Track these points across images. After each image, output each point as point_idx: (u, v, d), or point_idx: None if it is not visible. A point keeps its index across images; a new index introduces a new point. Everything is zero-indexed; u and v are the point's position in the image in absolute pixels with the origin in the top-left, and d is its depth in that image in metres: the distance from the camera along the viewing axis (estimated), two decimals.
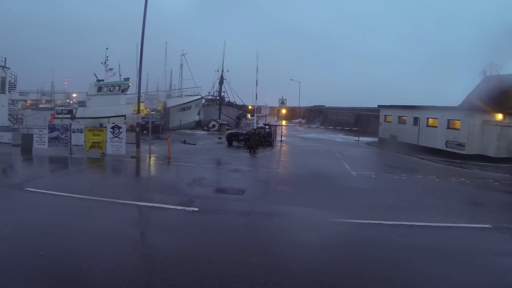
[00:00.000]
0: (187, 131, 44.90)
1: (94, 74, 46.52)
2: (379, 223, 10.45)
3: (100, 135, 22.06)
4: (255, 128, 31.85)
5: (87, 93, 46.68)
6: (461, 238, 9.85)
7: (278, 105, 38.72)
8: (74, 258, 7.28)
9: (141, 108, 22.92)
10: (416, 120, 32.91)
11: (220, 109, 55.29)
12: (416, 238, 9.54)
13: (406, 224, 10.50)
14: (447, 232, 10.25)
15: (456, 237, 9.89)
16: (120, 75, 49.59)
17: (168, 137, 22.98)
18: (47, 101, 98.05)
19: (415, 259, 8.04)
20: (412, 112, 34.03)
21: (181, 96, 54.70)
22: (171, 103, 49.57)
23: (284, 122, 43.13)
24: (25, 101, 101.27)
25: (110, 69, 46.93)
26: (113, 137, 21.68)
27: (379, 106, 40.91)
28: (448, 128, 29.18)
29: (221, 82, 59.10)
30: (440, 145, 29.34)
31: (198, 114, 55.39)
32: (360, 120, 53.87)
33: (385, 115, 39.08)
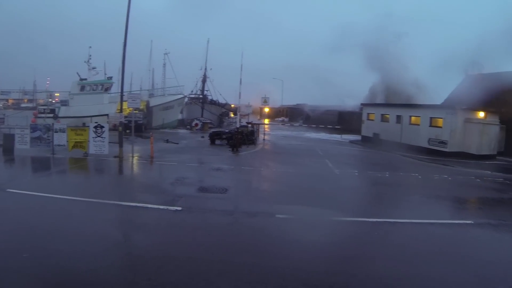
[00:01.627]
0: (170, 130, 44.74)
1: (77, 73, 45.90)
2: (363, 221, 10.55)
3: (82, 134, 21.79)
4: (238, 126, 31.83)
5: (70, 92, 46.16)
6: (444, 234, 9.98)
7: (260, 104, 38.74)
8: (57, 259, 7.19)
9: (123, 107, 22.73)
10: (399, 118, 33.26)
11: (202, 108, 55.23)
12: (400, 235, 9.65)
13: (390, 221, 10.62)
14: (430, 229, 10.36)
15: (439, 234, 10.01)
16: (105, 74, 49.13)
17: (151, 136, 22.84)
18: (29, 101, 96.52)
19: (399, 256, 8.14)
20: (395, 110, 34.43)
21: (164, 95, 54.54)
22: (154, 102, 49.38)
23: (267, 121, 43.21)
24: (7, 100, 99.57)
25: (93, 68, 46.39)
26: (95, 137, 21.44)
27: (361, 104, 41.28)
28: (430, 126, 29.59)
29: (204, 80, 59.09)
30: (422, 142, 29.71)
31: (181, 112, 55.27)
32: (343, 118, 54.25)
33: (368, 113, 39.49)
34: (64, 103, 47.17)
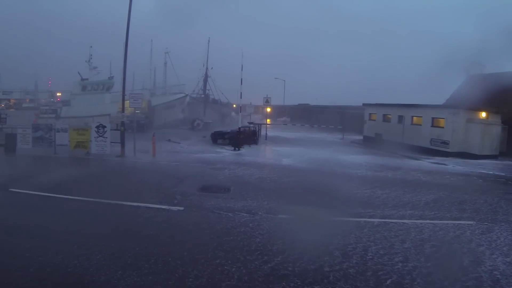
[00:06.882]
0: (172, 129, 44.75)
1: (78, 72, 45.83)
2: (363, 221, 10.55)
3: (84, 134, 21.89)
4: (239, 126, 31.89)
5: (71, 92, 46.17)
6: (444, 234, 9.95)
7: (262, 104, 38.78)
8: (60, 260, 7.20)
9: (125, 107, 22.78)
10: (400, 118, 33.25)
11: (204, 107, 55.27)
12: (403, 235, 9.61)
13: (390, 222, 10.61)
14: (429, 228, 10.36)
15: (440, 233, 10.00)
16: (110, 73, 49.15)
17: (153, 136, 22.87)
18: (31, 100, 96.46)
19: (396, 252, 8.12)
20: (397, 110, 34.38)
21: (166, 94, 54.60)
22: (155, 101, 49.41)
23: (268, 121, 43.10)
24: (9, 100, 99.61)
25: (94, 68, 46.40)
26: (97, 136, 21.54)
27: (363, 104, 41.27)
28: (432, 126, 29.60)
29: (205, 80, 59.21)
30: (424, 143, 29.70)
31: (183, 112, 55.33)
32: (345, 119, 54.14)
33: (370, 113, 39.53)
34: (65, 103, 47.14)
